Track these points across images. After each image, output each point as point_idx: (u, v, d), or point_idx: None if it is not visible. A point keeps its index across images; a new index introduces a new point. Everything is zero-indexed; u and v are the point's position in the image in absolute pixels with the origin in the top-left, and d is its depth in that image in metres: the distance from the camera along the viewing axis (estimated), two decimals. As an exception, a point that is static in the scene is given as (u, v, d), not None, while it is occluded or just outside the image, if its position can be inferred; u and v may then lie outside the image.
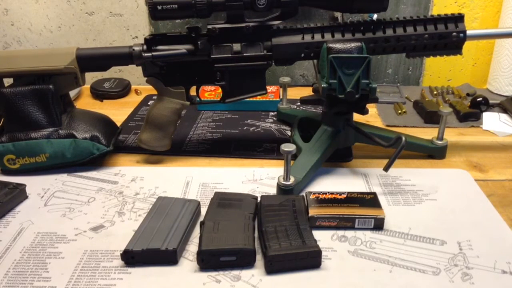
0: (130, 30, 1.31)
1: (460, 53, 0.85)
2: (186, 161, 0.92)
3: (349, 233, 0.70)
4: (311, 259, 0.63)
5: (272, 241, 0.64)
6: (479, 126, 1.05)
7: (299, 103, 1.14)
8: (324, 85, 0.78)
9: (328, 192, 0.76)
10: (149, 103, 1.19)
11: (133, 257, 0.64)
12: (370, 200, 0.74)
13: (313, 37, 0.84)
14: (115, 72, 1.32)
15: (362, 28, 0.83)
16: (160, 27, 1.29)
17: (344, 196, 0.75)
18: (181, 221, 0.69)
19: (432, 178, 0.84)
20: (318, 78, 0.83)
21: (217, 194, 0.75)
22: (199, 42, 0.84)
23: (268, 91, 1.13)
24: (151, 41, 0.84)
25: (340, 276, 0.62)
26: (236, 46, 0.84)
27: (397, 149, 0.76)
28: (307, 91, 1.00)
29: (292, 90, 1.19)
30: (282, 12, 0.82)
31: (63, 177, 0.86)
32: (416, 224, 0.72)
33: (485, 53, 1.31)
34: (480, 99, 1.10)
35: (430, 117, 1.06)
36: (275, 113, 1.11)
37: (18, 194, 0.78)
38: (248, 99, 0.89)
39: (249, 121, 1.09)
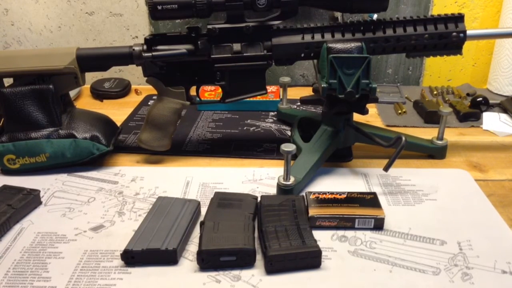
0: (130, 30, 1.31)
1: (460, 53, 0.85)
2: (186, 161, 0.92)
3: (349, 233, 0.70)
4: (311, 259, 0.63)
5: (272, 241, 0.64)
6: (479, 126, 1.05)
7: (299, 103, 1.14)
8: (324, 85, 0.78)
9: (328, 192, 0.76)
10: (149, 103, 1.19)
11: (133, 257, 0.64)
12: (370, 200, 0.74)
13: (313, 37, 0.84)
14: (115, 72, 1.32)
15: (362, 28, 0.83)
16: (160, 27, 1.29)
17: (344, 196, 0.75)
18: (181, 221, 0.69)
19: (432, 178, 0.84)
20: (318, 78, 0.83)
21: (217, 194, 0.75)
22: (199, 42, 0.84)
23: (268, 91, 1.13)
24: (151, 41, 0.84)
25: (340, 276, 0.62)
26: (236, 46, 0.84)
27: (397, 149, 0.76)
28: (307, 91, 1.00)
29: (292, 90, 1.19)
30: (282, 12, 0.82)
31: (63, 177, 0.86)
32: (416, 224, 0.72)
33: (485, 53, 1.31)
34: (480, 99, 1.10)
35: (430, 117, 1.06)
36: (275, 113, 1.11)
37: (33, 200, 0.76)
38: (248, 99, 0.89)
39: (249, 121, 1.09)
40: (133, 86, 1.29)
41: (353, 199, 0.74)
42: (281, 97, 1.11)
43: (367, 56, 0.76)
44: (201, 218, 0.71)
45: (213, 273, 0.63)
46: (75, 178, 0.86)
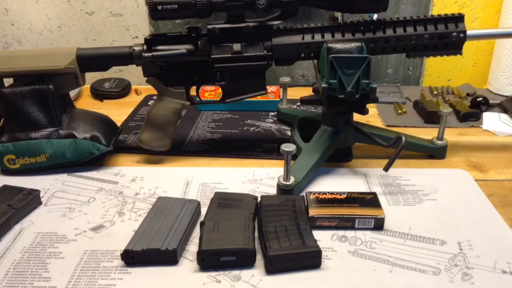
0: (130, 30, 1.31)
1: (460, 53, 0.85)
2: (186, 161, 0.92)
3: (349, 233, 0.70)
4: (311, 259, 0.63)
5: (272, 241, 0.64)
6: (479, 126, 1.05)
7: (299, 103, 1.14)
8: (324, 85, 0.78)
9: (328, 192, 0.76)
10: (149, 103, 1.19)
11: (133, 257, 0.64)
12: (370, 200, 0.74)
13: (313, 37, 0.84)
14: (115, 72, 1.32)
15: (362, 28, 0.83)
16: (160, 27, 1.29)
17: (344, 196, 0.75)
18: (181, 221, 0.69)
19: (432, 178, 0.84)
20: (318, 78, 0.83)
21: (217, 194, 0.75)
22: (199, 42, 0.84)
23: (268, 91, 1.13)
24: (151, 41, 0.84)
25: (340, 276, 0.62)
26: (236, 46, 0.84)
27: (397, 149, 0.76)
28: (307, 91, 1.00)
29: (292, 90, 1.19)
30: (282, 12, 0.82)
31: (63, 177, 0.86)
32: (416, 224, 0.72)
33: (485, 53, 1.31)
34: (480, 99, 1.10)
35: (430, 117, 1.06)
36: (275, 113, 1.11)
37: (33, 200, 0.76)
38: (248, 99, 0.89)
39: (249, 121, 1.09)
40: (133, 86, 1.29)
41: (353, 199, 0.74)
42: (281, 97, 1.11)
43: (367, 56, 0.76)
44: (201, 218, 0.71)
45: (213, 273, 0.63)
46: (75, 178, 0.86)
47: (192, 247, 0.67)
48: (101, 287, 0.61)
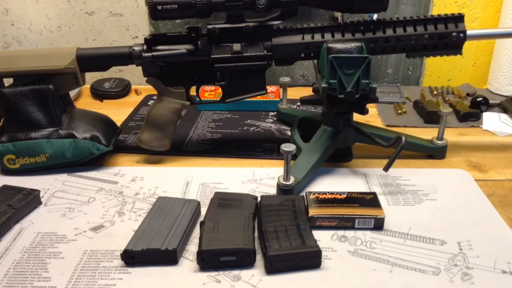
0: (130, 30, 1.31)
1: (460, 53, 0.85)
2: (186, 161, 0.92)
3: (349, 233, 0.70)
4: (311, 259, 0.63)
5: (272, 241, 0.64)
6: (479, 126, 1.05)
7: (299, 103, 1.14)
8: (324, 85, 0.78)
9: (328, 192, 0.76)
10: (149, 103, 1.19)
11: (133, 257, 0.64)
12: (370, 200, 0.74)
13: (313, 37, 0.84)
14: (115, 72, 1.32)
15: (362, 28, 0.83)
16: (160, 27, 1.29)
17: (344, 196, 0.75)
18: (181, 221, 0.69)
19: (432, 178, 0.84)
20: (318, 78, 0.83)
21: (217, 194, 0.75)
22: (199, 42, 0.84)
23: (268, 91, 1.13)
24: (151, 41, 0.84)
25: (340, 276, 0.62)
26: (236, 46, 0.84)
27: (397, 149, 0.76)
28: (307, 91, 1.00)
29: (292, 90, 1.19)
30: (282, 12, 0.82)
31: (63, 177, 0.86)
32: (416, 224, 0.72)
33: (485, 53, 1.31)
34: (480, 99, 1.10)
35: (430, 117, 1.06)
36: (275, 113, 1.11)
37: (33, 200, 0.76)
38: (248, 99, 0.89)
39: (249, 121, 1.09)
40: (133, 86, 1.29)
41: (353, 199, 0.74)
42: (281, 97, 1.11)
43: (367, 56, 0.76)
44: (201, 218, 0.71)
45: (213, 273, 0.63)
46: (75, 178, 0.86)
47: (192, 247, 0.67)
48: (101, 287, 0.61)
